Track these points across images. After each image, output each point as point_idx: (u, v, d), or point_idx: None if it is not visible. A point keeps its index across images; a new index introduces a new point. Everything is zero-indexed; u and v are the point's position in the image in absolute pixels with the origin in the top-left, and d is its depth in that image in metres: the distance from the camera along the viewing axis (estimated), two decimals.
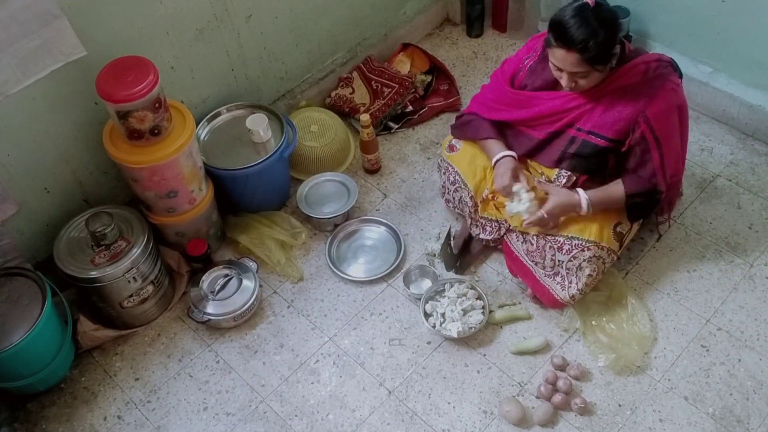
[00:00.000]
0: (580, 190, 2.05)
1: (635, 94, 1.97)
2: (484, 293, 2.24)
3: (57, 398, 2.18)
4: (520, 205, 2.07)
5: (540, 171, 2.19)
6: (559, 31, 1.87)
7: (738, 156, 2.60)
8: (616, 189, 2.07)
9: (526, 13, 3.10)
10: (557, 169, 2.13)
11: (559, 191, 2.06)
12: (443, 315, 2.21)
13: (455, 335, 2.15)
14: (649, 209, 2.14)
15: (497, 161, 2.17)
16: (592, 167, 2.07)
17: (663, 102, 1.97)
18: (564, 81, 1.96)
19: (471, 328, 2.17)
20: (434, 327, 2.20)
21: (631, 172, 2.05)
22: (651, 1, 2.65)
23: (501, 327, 2.23)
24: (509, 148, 2.19)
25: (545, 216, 2.04)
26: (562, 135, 2.09)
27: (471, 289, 2.26)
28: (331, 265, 2.40)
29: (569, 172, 2.09)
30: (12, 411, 2.15)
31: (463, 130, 2.31)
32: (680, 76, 2.07)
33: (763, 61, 2.49)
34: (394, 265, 2.38)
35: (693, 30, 2.60)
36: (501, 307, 2.25)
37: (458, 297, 2.24)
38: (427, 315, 2.24)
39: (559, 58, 1.91)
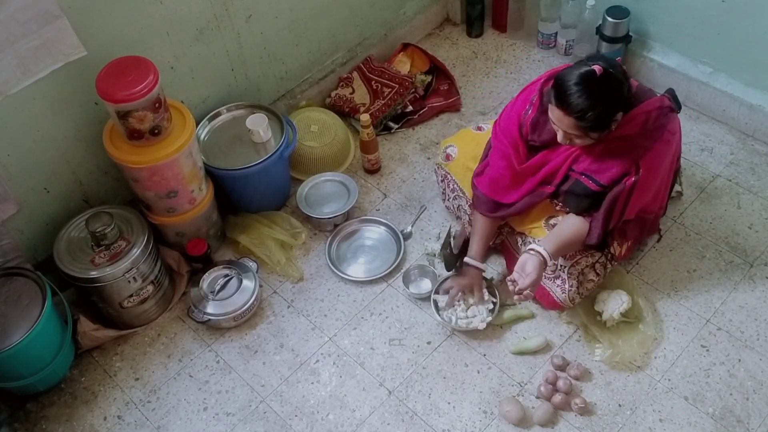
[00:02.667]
0: (536, 248, 2.00)
1: (632, 145, 1.94)
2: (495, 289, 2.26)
3: (57, 398, 2.18)
4: (476, 319, 2.19)
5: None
6: (559, 94, 1.85)
7: (738, 156, 2.60)
8: (569, 231, 2.04)
9: (526, 13, 3.10)
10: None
11: (525, 273, 1.99)
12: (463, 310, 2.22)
13: (482, 326, 2.17)
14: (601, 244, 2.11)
15: (468, 265, 2.21)
16: (583, 206, 2.04)
17: (656, 155, 1.96)
18: (559, 137, 1.95)
19: (491, 312, 2.20)
20: (451, 321, 2.19)
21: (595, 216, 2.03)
22: (651, 1, 2.65)
23: (501, 327, 2.23)
24: (528, 207, 2.16)
25: (530, 293, 2.01)
26: (556, 173, 2.07)
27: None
28: (330, 265, 2.40)
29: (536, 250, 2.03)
30: (12, 411, 2.15)
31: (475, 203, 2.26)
32: (679, 109, 2.04)
33: (763, 61, 2.49)
34: (394, 265, 2.38)
35: (693, 30, 2.60)
36: (502, 306, 2.24)
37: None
38: (438, 308, 2.24)
39: (557, 117, 1.89)
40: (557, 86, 1.86)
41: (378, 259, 2.44)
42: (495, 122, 2.20)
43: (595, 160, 1.99)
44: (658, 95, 2.02)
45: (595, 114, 1.83)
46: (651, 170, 1.96)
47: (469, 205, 2.30)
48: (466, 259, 2.22)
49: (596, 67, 1.81)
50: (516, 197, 2.15)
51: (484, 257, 2.27)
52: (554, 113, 1.89)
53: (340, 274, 2.38)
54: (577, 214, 2.07)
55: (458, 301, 2.21)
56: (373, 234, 2.51)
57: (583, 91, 1.81)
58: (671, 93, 2.06)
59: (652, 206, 2.14)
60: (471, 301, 2.20)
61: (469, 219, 2.31)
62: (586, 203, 2.03)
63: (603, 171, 1.97)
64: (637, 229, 2.17)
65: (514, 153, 2.11)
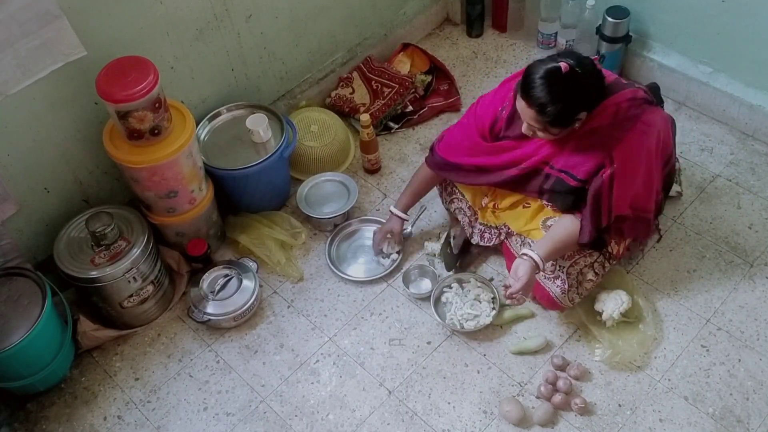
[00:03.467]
0: (528, 252, 2.01)
1: (604, 137, 1.94)
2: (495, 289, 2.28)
3: (57, 398, 2.18)
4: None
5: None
6: (524, 85, 1.87)
7: (738, 156, 2.60)
8: (562, 233, 2.05)
9: (526, 13, 3.10)
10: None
11: (518, 277, 2.00)
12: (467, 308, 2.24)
13: (489, 321, 2.20)
14: (599, 243, 2.11)
15: (391, 213, 2.36)
16: (568, 203, 2.05)
17: (630, 145, 1.95)
18: (524, 127, 1.96)
19: (493, 309, 2.23)
20: (455, 325, 2.20)
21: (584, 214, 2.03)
22: (651, 1, 2.65)
23: (501, 327, 2.23)
24: (483, 183, 2.20)
25: (522, 297, 2.02)
26: (537, 172, 2.06)
27: (479, 286, 2.29)
28: (330, 265, 2.40)
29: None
30: (12, 411, 2.15)
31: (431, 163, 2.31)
32: (660, 104, 2.03)
33: (763, 61, 2.49)
34: (394, 265, 2.38)
35: (693, 30, 2.60)
36: (502, 306, 2.24)
37: (471, 291, 2.28)
38: (440, 304, 2.27)
39: (521, 107, 1.91)
40: (524, 77, 1.88)
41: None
42: (472, 105, 2.21)
43: (571, 155, 1.99)
44: (635, 87, 2.01)
45: (554, 110, 1.84)
46: (626, 161, 1.95)
47: (468, 207, 2.31)
48: (390, 208, 2.37)
49: (563, 64, 1.82)
50: (466, 162, 2.16)
51: (409, 209, 2.38)
52: (519, 103, 1.91)
53: (340, 274, 2.38)
54: (566, 211, 2.07)
55: (384, 245, 2.39)
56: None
57: (545, 86, 1.82)
58: (652, 86, 2.06)
59: (645, 203, 2.10)
60: (389, 247, 2.39)
61: (469, 220, 2.31)
62: (570, 200, 2.04)
63: (579, 165, 1.98)
64: (633, 227, 2.16)
65: (479, 137, 2.14)
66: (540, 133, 1.95)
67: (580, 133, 1.96)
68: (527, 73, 1.87)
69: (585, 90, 1.86)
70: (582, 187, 1.99)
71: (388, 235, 2.38)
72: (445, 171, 2.25)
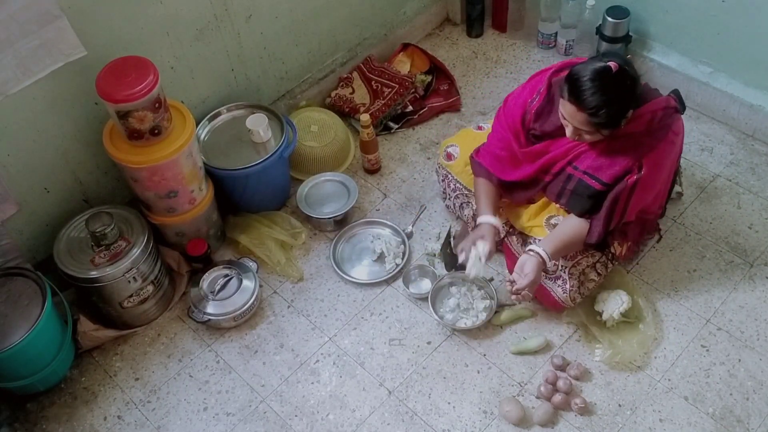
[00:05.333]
0: (535, 248, 2.01)
1: (636, 143, 1.94)
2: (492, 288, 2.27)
3: (57, 398, 2.18)
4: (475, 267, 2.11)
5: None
6: (573, 89, 1.83)
7: (738, 156, 2.60)
8: (569, 232, 2.05)
9: (526, 13, 3.10)
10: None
11: (525, 274, 2.00)
12: (466, 306, 2.24)
13: (486, 317, 2.19)
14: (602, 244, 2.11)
15: (480, 223, 2.16)
16: (587, 207, 2.03)
17: (660, 154, 1.95)
18: (569, 132, 1.93)
19: (489, 308, 2.22)
20: (456, 321, 2.21)
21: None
22: (651, 1, 2.65)
23: (501, 327, 2.23)
24: (523, 198, 2.17)
25: (528, 294, 2.03)
26: (562, 172, 2.06)
27: (479, 288, 2.29)
28: (335, 266, 2.39)
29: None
30: (12, 411, 2.15)
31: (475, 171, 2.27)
32: (683, 110, 2.04)
33: (763, 61, 2.49)
34: (398, 268, 2.37)
35: (693, 30, 2.60)
36: (501, 307, 2.24)
37: (468, 291, 2.28)
38: (438, 303, 2.26)
39: (569, 112, 1.87)
40: (571, 81, 1.84)
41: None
42: (500, 107, 2.19)
43: (598, 157, 1.98)
44: (663, 95, 2.01)
45: (608, 111, 1.82)
46: (653, 169, 1.95)
47: (471, 202, 2.30)
48: (479, 219, 2.15)
49: (612, 64, 1.80)
50: (514, 177, 2.14)
51: (496, 213, 2.18)
52: (566, 108, 1.87)
53: (345, 276, 2.37)
54: (579, 215, 2.06)
55: (473, 249, 2.13)
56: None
57: (598, 88, 1.79)
58: (677, 94, 2.06)
59: (652, 206, 2.14)
60: (480, 249, 2.11)
61: (473, 215, 2.31)
62: (588, 204, 2.02)
63: (605, 168, 1.97)
64: (637, 229, 2.17)
65: (514, 139, 2.11)
66: (587, 136, 1.92)
67: (612, 137, 1.94)
68: (574, 77, 1.83)
69: (633, 88, 1.85)
70: (604, 191, 1.98)
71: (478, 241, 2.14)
72: (491, 175, 2.19)
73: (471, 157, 2.26)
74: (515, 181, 2.15)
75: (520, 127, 2.10)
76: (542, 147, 2.07)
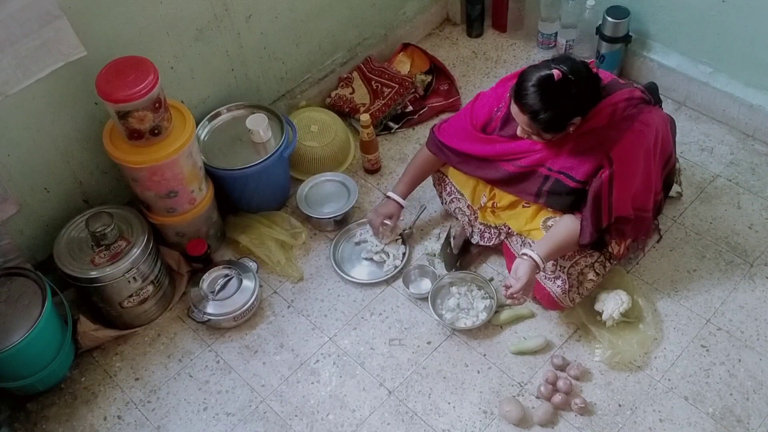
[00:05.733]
0: (529, 252, 2.01)
1: (602, 138, 1.95)
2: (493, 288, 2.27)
3: (57, 398, 2.18)
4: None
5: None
6: (517, 91, 1.88)
7: (738, 156, 2.60)
8: (562, 233, 2.04)
9: (526, 13, 3.10)
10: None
11: (518, 277, 2.00)
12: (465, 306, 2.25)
13: (486, 318, 2.20)
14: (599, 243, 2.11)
15: (388, 198, 2.36)
16: (567, 204, 2.05)
17: (627, 145, 1.95)
18: (518, 130, 1.98)
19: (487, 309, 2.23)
20: (456, 320, 2.22)
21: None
22: (651, 1, 2.65)
23: (501, 327, 2.23)
24: (480, 176, 2.21)
25: (523, 296, 2.03)
26: (535, 173, 2.07)
27: (479, 288, 2.29)
28: (335, 266, 2.39)
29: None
30: (12, 411, 2.15)
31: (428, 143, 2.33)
32: (658, 103, 2.04)
33: (763, 61, 2.49)
34: (399, 268, 2.37)
35: (693, 30, 2.60)
36: (501, 307, 2.24)
37: (467, 291, 2.29)
38: (437, 303, 2.27)
39: (514, 112, 1.93)
40: (518, 83, 1.89)
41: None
42: (471, 101, 2.22)
43: (569, 156, 2.00)
44: (632, 87, 2.02)
45: (546, 117, 1.85)
46: (624, 161, 1.95)
47: (467, 206, 2.31)
48: (388, 192, 2.36)
49: (555, 72, 1.82)
50: (462, 147, 2.18)
51: (407, 194, 2.37)
52: (513, 107, 1.93)
53: (345, 276, 2.37)
54: (566, 212, 2.07)
55: (381, 229, 2.37)
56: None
57: (537, 94, 1.84)
58: (650, 86, 2.07)
59: (645, 203, 2.11)
60: (386, 235, 2.39)
61: (468, 220, 2.31)
62: (569, 201, 2.04)
63: (577, 167, 1.98)
64: (633, 226, 2.16)
65: (473, 131, 2.17)
66: (534, 137, 1.97)
67: (577, 134, 1.97)
68: (520, 80, 1.88)
69: (578, 97, 1.87)
70: (581, 188, 1.99)
71: (386, 221, 2.36)
72: (442, 152, 2.25)
73: (431, 130, 2.30)
74: (471, 154, 2.18)
75: (480, 131, 2.16)
76: (504, 139, 2.11)
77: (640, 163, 2.00)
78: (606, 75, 2.02)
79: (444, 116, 2.85)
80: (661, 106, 2.11)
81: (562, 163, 2.01)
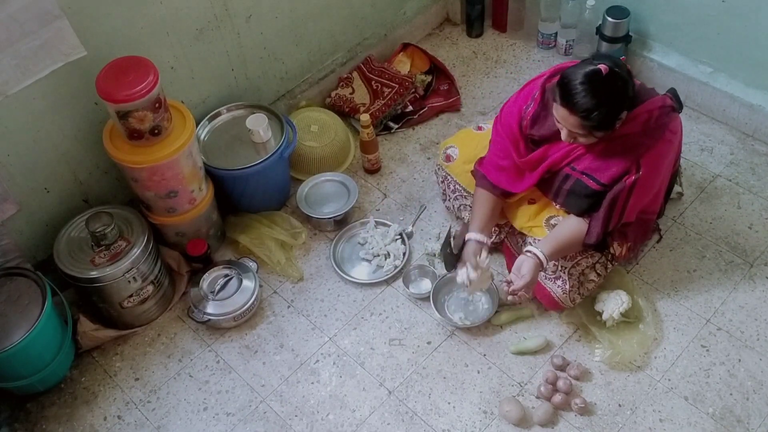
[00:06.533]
0: (533, 249, 2.01)
1: (633, 143, 1.94)
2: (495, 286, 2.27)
3: (57, 398, 2.18)
4: (471, 275, 2.10)
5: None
6: (564, 93, 1.83)
7: (738, 156, 2.60)
8: (568, 232, 2.05)
9: (526, 13, 3.10)
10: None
11: (521, 275, 2.00)
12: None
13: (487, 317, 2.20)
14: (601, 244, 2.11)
15: (468, 241, 2.15)
16: (584, 207, 2.03)
17: (658, 153, 1.95)
18: (563, 135, 1.94)
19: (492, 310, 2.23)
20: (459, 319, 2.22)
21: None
22: (651, 1, 2.65)
23: (501, 327, 2.23)
24: (510, 188, 2.17)
25: (525, 294, 2.03)
26: (559, 171, 2.07)
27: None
28: (335, 266, 2.39)
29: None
30: (12, 411, 2.15)
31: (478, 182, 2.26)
32: (680, 108, 2.03)
33: (763, 61, 2.49)
34: (399, 268, 2.37)
35: (693, 30, 2.60)
36: (501, 307, 2.24)
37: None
38: (439, 302, 2.27)
39: (562, 115, 1.88)
40: (562, 85, 1.84)
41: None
42: (496, 117, 2.20)
43: (596, 158, 1.98)
44: (660, 94, 2.01)
45: (600, 113, 1.82)
46: (652, 169, 1.95)
47: (470, 205, 2.31)
48: (468, 235, 2.15)
49: (602, 66, 1.80)
50: (520, 189, 2.15)
51: (486, 231, 2.18)
52: (559, 112, 1.88)
53: (345, 276, 2.37)
54: (578, 215, 2.06)
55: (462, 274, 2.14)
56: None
57: (588, 91, 1.80)
58: (673, 93, 2.06)
59: (651, 207, 2.14)
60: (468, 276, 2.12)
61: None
62: (586, 204, 2.03)
63: (604, 169, 1.97)
64: (637, 229, 2.17)
65: (514, 148, 2.11)
66: (582, 139, 1.92)
67: (608, 138, 1.94)
68: (565, 81, 1.83)
69: (625, 90, 1.85)
70: (602, 191, 1.98)
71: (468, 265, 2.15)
72: (493, 186, 2.17)
73: (475, 168, 2.25)
74: (520, 191, 2.16)
75: (518, 134, 2.10)
76: (541, 153, 2.07)
77: (663, 171, 2.02)
78: None
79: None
80: (681, 112, 2.08)
81: (587, 164, 1.99)
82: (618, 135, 1.94)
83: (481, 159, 2.24)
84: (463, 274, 2.12)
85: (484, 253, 2.13)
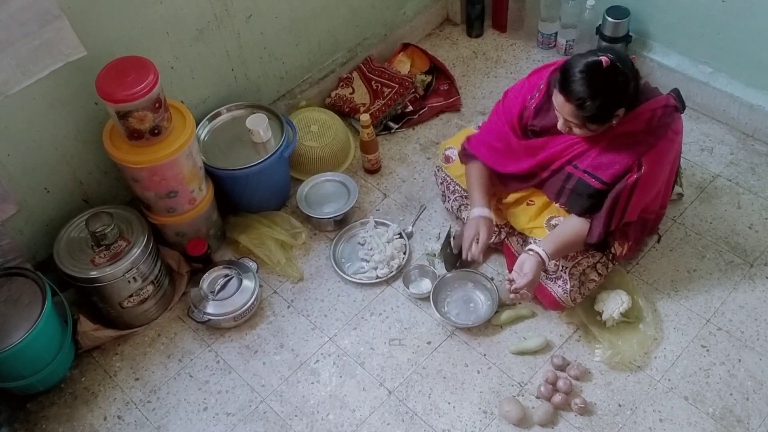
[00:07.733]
0: (535, 248, 2.01)
1: (636, 142, 1.94)
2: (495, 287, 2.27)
3: (57, 398, 2.18)
4: None
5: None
6: (563, 79, 1.85)
7: (738, 156, 2.60)
8: (569, 232, 2.05)
9: (526, 13, 3.10)
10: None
11: (524, 273, 2.00)
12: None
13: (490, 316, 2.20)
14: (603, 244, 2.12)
15: (475, 217, 2.16)
16: (586, 207, 2.04)
17: (660, 152, 1.96)
18: (560, 123, 1.95)
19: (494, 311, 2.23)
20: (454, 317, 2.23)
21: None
22: (651, 1, 2.65)
23: (501, 327, 2.23)
24: (516, 189, 2.18)
25: (526, 293, 2.03)
26: (561, 171, 2.07)
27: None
28: (335, 266, 2.39)
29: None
30: (12, 411, 2.15)
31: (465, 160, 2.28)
32: (683, 109, 2.04)
33: (763, 61, 2.49)
34: (400, 267, 2.37)
35: (693, 30, 2.60)
36: (501, 306, 2.24)
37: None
38: (440, 302, 2.27)
39: (558, 102, 1.89)
40: (563, 71, 1.86)
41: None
42: (498, 101, 2.20)
43: (598, 156, 1.99)
44: (664, 94, 2.01)
45: (594, 105, 1.82)
46: (654, 168, 1.96)
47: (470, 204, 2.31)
48: (473, 211, 2.17)
49: (603, 59, 1.81)
50: (511, 170, 2.15)
51: (489, 203, 2.18)
52: (557, 98, 1.90)
53: (345, 276, 2.37)
54: (579, 215, 2.06)
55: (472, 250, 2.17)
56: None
57: (585, 80, 1.81)
58: (676, 93, 2.06)
59: (653, 206, 2.15)
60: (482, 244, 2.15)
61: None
62: (588, 203, 2.03)
63: (605, 167, 1.97)
64: (638, 229, 2.17)
65: (512, 132, 2.13)
66: (576, 130, 1.93)
67: (611, 136, 1.95)
68: (566, 68, 1.85)
69: (624, 86, 1.85)
70: (604, 190, 1.98)
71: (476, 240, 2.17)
72: (474, 158, 2.19)
73: (462, 146, 2.26)
74: (511, 173, 2.16)
75: (517, 123, 2.11)
76: (542, 142, 2.08)
77: (665, 171, 2.02)
78: None
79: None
80: (683, 112, 2.08)
81: (589, 162, 2.00)
82: (621, 133, 1.94)
83: (470, 137, 2.25)
84: (474, 249, 2.14)
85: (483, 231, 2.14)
